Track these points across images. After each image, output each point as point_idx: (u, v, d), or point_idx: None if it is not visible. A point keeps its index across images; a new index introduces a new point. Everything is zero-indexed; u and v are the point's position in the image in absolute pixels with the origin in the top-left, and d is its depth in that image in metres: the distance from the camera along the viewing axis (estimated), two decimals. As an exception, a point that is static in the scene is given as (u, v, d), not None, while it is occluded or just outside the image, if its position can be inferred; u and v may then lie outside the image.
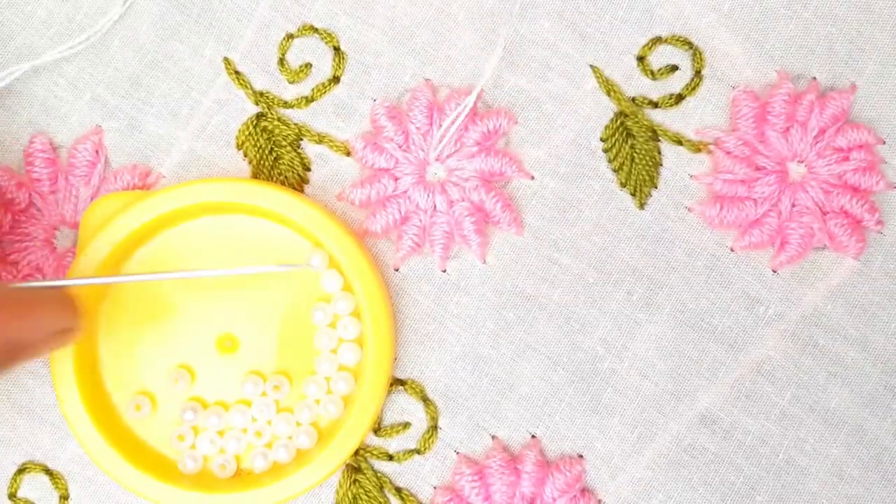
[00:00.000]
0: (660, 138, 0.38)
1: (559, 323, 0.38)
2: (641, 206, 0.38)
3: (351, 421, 0.35)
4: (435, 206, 0.38)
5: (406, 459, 0.38)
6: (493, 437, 0.38)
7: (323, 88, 0.39)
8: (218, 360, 0.37)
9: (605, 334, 0.38)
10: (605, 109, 0.39)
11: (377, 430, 0.38)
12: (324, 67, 0.39)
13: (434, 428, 0.38)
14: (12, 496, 0.38)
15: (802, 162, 0.38)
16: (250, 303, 0.37)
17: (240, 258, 0.37)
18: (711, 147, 0.38)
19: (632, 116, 0.38)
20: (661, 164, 0.38)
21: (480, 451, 0.37)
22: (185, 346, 0.37)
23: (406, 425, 0.38)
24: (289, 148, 0.38)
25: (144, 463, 0.36)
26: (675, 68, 0.39)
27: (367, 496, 0.37)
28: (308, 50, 0.39)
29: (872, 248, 0.38)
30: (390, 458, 0.38)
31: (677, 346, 0.38)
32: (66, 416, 0.35)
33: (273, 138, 0.38)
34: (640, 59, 0.39)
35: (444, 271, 0.38)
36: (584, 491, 0.37)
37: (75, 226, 0.38)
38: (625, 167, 0.38)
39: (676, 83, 0.39)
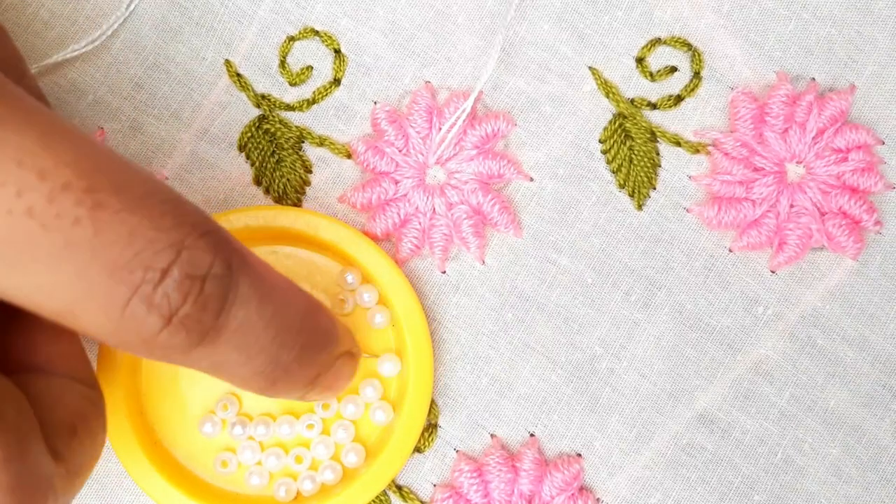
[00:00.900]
0: (658, 139, 0.39)
1: (558, 323, 0.38)
2: (640, 207, 0.38)
3: (397, 435, 0.36)
4: (434, 209, 0.38)
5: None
6: (492, 436, 0.38)
7: (324, 91, 0.39)
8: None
9: (604, 334, 0.38)
10: (604, 111, 0.39)
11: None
12: (324, 70, 0.39)
13: (434, 426, 0.38)
14: (18, 493, 0.38)
15: (801, 163, 0.38)
16: None
17: None
18: (710, 148, 0.38)
19: (630, 118, 0.39)
20: (660, 166, 0.39)
21: (479, 449, 0.38)
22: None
23: (406, 424, 0.38)
24: (290, 150, 0.39)
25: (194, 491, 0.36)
26: (673, 70, 0.39)
27: (368, 494, 0.38)
28: (309, 52, 0.39)
29: (871, 249, 0.38)
30: (391, 456, 0.38)
31: (676, 346, 0.38)
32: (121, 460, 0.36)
33: (275, 141, 0.39)
34: (639, 60, 0.39)
35: (444, 273, 0.38)
36: (583, 489, 0.37)
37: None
38: (623, 168, 0.38)
39: (675, 84, 0.39)
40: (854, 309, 0.38)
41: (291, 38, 0.39)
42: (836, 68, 0.39)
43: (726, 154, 0.38)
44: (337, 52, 0.39)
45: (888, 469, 0.38)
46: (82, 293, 0.24)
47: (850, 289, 0.38)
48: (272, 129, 0.39)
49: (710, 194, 0.38)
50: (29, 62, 0.39)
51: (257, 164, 0.39)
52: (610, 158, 0.39)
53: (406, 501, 0.37)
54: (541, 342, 0.38)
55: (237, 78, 0.39)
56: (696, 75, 0.39)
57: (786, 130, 0.38)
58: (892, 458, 0.38)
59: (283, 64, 0.39)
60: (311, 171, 0.39)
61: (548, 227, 0.38)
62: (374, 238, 0.38)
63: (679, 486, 0.38)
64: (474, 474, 0.37)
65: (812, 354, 0.38)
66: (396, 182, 0.38)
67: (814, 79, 0.39)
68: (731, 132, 0.38)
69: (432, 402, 0.38)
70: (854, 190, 0.38)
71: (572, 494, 0.37)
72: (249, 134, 0.39)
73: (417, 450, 0.38)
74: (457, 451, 0.38)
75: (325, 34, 0.39)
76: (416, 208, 0.38)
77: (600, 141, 0.39)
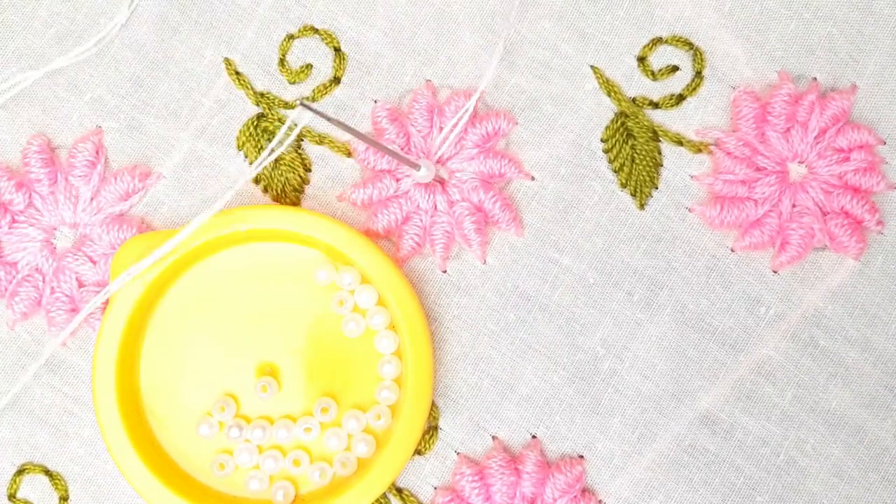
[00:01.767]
0: (660, 139, 0.38)
1: (560, 323, 0.38)
2: (642, 206, 0.38)
3: (397, 437, 0.35)
4: (436, 207, 0.38)
5: (407, 460, 0.38)
6: (494, 438, 0.38)
7: (324, 89, 0.39)
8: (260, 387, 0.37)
9: (606, 335, 0.38)
10: (606, 110, 0.39)
11: None
12: (324, 68, 0.39)
13: (434, 428, 0.38)
14: (12, 497, 0.37)
15: (803, 162, 0.38)
16: (289, 329, 0.37)
17: (272, 283, 0.37)
18: (712, 147, 0.38)
19: (632, 117, 0.38)
20: (662, 165, 0.38)
21: (481, 451, 0.37)
22: (227, 373, 0.37)
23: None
24: (289, 149, 0.38)
25: (188, 491, 0.36)
26: (675, 69, 0.39)
27: (368, 497, 0.37)
28: (309, 51, 0.39)
29: (873, 249, 0.38)
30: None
31: (678, 347, 0.38)
32: (108, 446, 0.35)
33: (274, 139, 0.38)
34: (641, 59, 0.39)
35: (445, 272, 0.38)
36: (585, 491, 0.37)
37: (75, 226, 0.38)
38: (625, 168, 0.38)
39: (677, 84, 0.39)
40: (856, 309, 0.38)
41: (291, 37, 0.39)
42: (838, 68, 0.39)
43: (728, 153, 0.38)
44: (337, 50, 0.39)
45: (890, 469, 0.38)
46: None
47: (853, 289, 0.38)
48: (271, 128, 0.39)
49: (712, 194, 0.38)
50: (29, 61, 0.39)
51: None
52: (612, 157, 0.38)
53: (407, 504, 0.37)
54: (542, 342, 0.38)
55: (236, 76, 0.39)
56: (698, 74, 0.39)
57: (788, 130, 0.38)
58: (893, 459, 0.38)
59: (282, 62, 0.39)
60: (310, 170, 0.39)
61: (549, 226, 0.38)
62: (376, 235, 0.38)
63: (682, 487, 0.37)
64: (476, 477, 0.37)
65: (814, 355, 0.38)
66: (398, 179, 0.38)
67: (815, 78, 0.39)
68: (733, 131, 0.38)
69: (433, 403, 0.38)
70: (856, 190, 0.38)
71: (575, 497, 0.37)
72: (248, 132, 0.38)
73: (418, 452, 0.37)
74: (458, 454, 0.38)
75: (325, 32, 0.39)
76: (418, 206, 0.38)
77: (602, 140, 0.39)
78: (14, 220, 0.38)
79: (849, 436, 0.38)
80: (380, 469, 0.35)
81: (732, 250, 0.38)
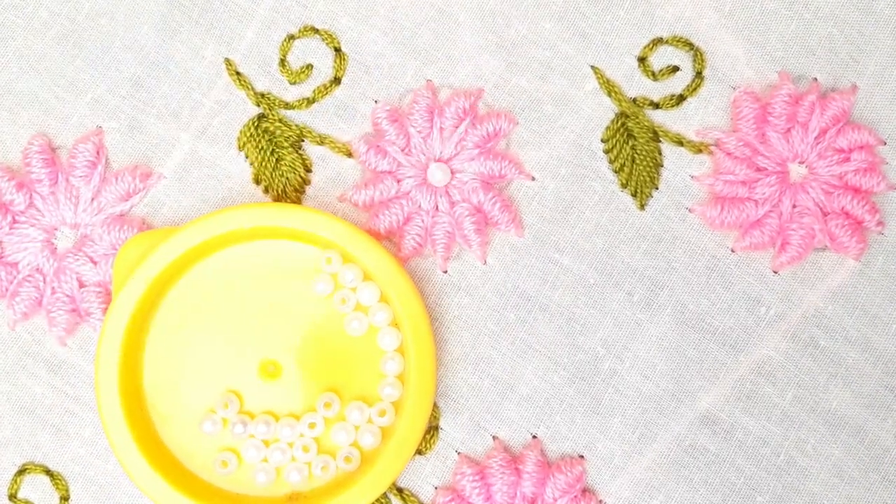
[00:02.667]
0: (661, 139, 0.38)
1: (560, 324, 0.38)
2: (642, 206, 0.38)
3: (398, 437, 0.35)
4: (437, 207, 0.38)
5: (407, 460, 0.38)
6: (494, 438, 0.38)
7: (324, 89, 0.39)
8: (263, 384, 0.37)
9: (606, 335, 0.38)
10: (606, 110, 0.39)
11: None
12: (325, 68, 0.39)
13: (435, 428, 0.38)
14: (12, 497, 0.38)
15: (803, 163, 0.38)
16: (292, 326, 0.37)
17: (275, 281, 0.37)
18: (712, 148, 0.38)
19: (633, 117, 0.39)
20: (662, 165, 0.38)
21: (481, 451, 0.38)
22: (230, 370, 0.37)
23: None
24: (290, 149, 0.38)
25: (188, 486, 0.36)
26: (676, 69, 0.39)
27: (369, 497, 0.37)
28: (309, 51, 0.39)
29: (873, 249, 0.38)
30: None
31: (678, 347, 0.38)
32: (110, 442, 0.35)
33: (274, 140, 0.38)
34: (641, 59, 0.39)
35: (445, 272, 0.38)
36: (585, 491, 0.37)
37: (76, 226, 0.38)
38: (626, 168, 0.38)
39: (677, 84, 0.39)
40: (856, 309, 0.38)
41: (291, 37, 0.39)
42: (838, 68, 0.39)
43: (729, 154, 0.38)
44: (337, 50, 0.39)
45: (890, 470, 0.38)
46: None
47: (853, 289, 0.38)
48: (272, 128, 0.39)
49: (712, 194, 0.38)
50: (29, 62, 0.39)
51: (257, 163, 0.38)
52: (612, 158, 0.38)
53: (407, 504, 0.37)
54: (543, 343, 0.38)
55: (237, 76, 0.39)
56: (699, 75, 0.39)
57: (788, 130, 0.38)
58: (894, 459, 0.38)
59: (283, 62, 0.39)
60: (310, 171, 0.39)
61: (550, 226, 0.38)
62: (377, 236, 0.38)
63: (682, 487, 0.37)
64: (476, 477, 0.37)
65: (814, 355, 0.38)
66: (399, 181, 0.38)
67: (816, 79, 0.39)
68: (734, 132, 0.38)
69: (434, 402, 0.38)
70: (856, 190, 0.38)
71: (575, 496, 0.37)
72: (249, 133, 0.38)
73: (418, 452, 0.38)
74: (458, 454, 0.38)
75: (326, 32, 0.39)
76: (419, 206, 0.38)
77: (602, 140, 0.39)
78: (15, 221, 0.38)
79: (849, 436, 0.38)
80: (384, 464, 0.35)
81: (733, 251, 0.38)
